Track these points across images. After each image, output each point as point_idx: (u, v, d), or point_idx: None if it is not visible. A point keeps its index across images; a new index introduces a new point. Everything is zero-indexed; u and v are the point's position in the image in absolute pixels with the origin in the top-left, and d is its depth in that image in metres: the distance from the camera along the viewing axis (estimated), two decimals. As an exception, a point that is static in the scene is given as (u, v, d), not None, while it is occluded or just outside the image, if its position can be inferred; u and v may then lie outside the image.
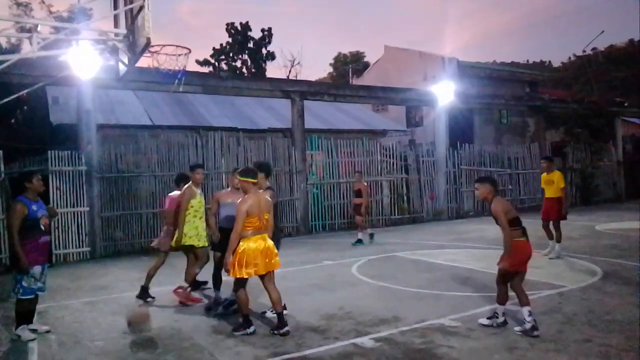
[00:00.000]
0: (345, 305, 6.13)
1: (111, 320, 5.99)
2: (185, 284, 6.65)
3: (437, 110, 17.11)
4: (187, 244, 6.62)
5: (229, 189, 6.57)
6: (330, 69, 40.09)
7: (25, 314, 5.38)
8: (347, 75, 32.85)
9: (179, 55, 6.94)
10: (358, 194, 11.55)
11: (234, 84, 14.44)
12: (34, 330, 5.44)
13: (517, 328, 4.99)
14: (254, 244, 4.96)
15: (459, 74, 20.63)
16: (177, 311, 6.26)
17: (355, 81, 27.89)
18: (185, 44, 7.14)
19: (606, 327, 5.03)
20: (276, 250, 5.21)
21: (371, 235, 11.48)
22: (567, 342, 4.63)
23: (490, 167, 17.56)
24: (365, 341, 4.83)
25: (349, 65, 34.05)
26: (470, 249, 10.24)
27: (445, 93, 16.42)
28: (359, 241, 11.26)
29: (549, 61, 61.64)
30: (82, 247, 11.16)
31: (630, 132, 27.59)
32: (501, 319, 5.18)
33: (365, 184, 12.04)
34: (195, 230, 6.66)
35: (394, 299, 6.48)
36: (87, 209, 11.21)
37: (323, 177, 15.02)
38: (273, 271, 5.17)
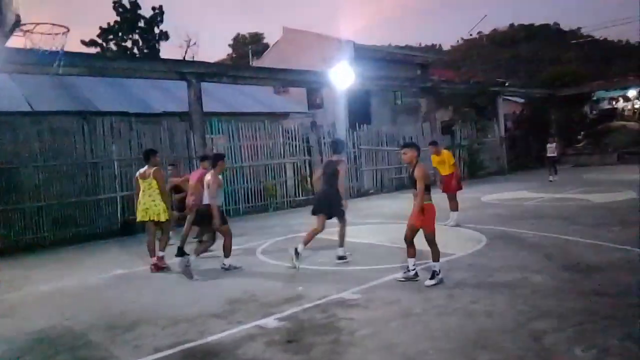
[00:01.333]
0: (250, 289, 6.11)
1: (-9, 326, 5.46)
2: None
3: (336, 92, 17.46)
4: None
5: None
6: (230, 50, 39.18)
7: None
8: (247, 57, 32.31)
9: (57, 34, 6.36)
10: (179, 190, 9.55)
11: (123, 65, 13.60)
12: None
13: (428, 282, 5.74)
14: None
15: (356, 57, 21.16)
16: (67, 309, 5.85)
17: (256, 63, 27.57)
18: (67, 23, 6.54)
19: (491, 289, 5.52)
20: None
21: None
22: (456, 305, 5.01)
23: (387, 146, 18.33)
24: (270, 322, 4.87)
25: (249, 46, 33.48)
26: (370, 225, 10.67)
27: (343, 75, 16.77)
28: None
29: (440, 44, 65.33)
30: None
31: (512, 110, 30.25)
32: (412, 272, 5.96)
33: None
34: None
35: (298, 278, 6.58)
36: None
37: (225, 162, 14.72)
38: None
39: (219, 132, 14.59)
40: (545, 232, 8.52)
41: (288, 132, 16.01)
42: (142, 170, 7.66)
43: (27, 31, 6.30)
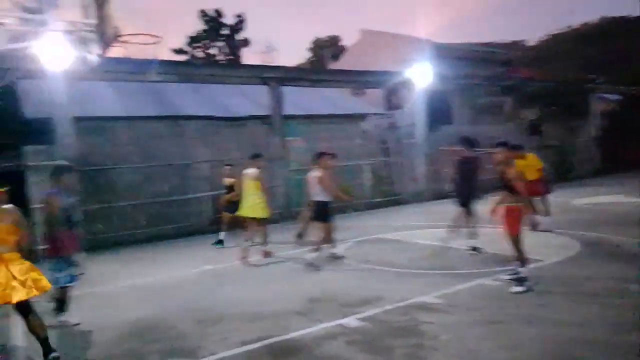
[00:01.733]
0: (330, 288, 6.20)
1: (95, 313, 5.97)
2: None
3: (415, 92, 17.19)
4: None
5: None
6: (308, 54, 39.81)
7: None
8: (324, 60, 32.69)
9: (150, 43, 6.84)
10: (231, 190, 9.99)
11: (209, 72, 14.32)
12: None
13: (514, 289, 5.53)
14: None
15: (435, 56, 20.65)
16: (160, 301, 6.26)
17: (333, 65, 27.78)
18: (157, 32, 7.04)
19: (582, 299, 5.20)
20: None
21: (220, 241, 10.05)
22: (543, 315, 4.77)
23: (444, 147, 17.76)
24: (350, 321, 4.92)
25: (326, 49, 33.84)
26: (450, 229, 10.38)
27: (422, 75, 16.48)
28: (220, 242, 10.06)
29: (523, 40, 62.11)
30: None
31: (605, 108, 28.10)
32: (516, 275, 5.72)
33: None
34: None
35: (378, 279, 6.58)
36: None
37: (303, 164, 15.01)
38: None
39: (297, 135, 14.91)
40: (645, 239, 7.86)
41: (365, 134, 16.01)
42: (248, 170, 8.38)
43: (125, 42, 6.82)
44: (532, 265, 6.64)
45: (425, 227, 10.75)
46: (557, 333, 4.30)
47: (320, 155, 8.06)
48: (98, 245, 11.38)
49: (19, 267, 4.14)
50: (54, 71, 9.70)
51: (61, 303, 5.48)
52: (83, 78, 11.14)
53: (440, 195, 16.69)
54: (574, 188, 16.90)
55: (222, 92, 17.46)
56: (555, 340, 4.15)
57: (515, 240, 5.76)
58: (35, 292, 4.13)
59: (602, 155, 22.55)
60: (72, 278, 5.45)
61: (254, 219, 8.41)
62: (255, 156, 8.77)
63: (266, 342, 4.54)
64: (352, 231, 10.93)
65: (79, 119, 11.75)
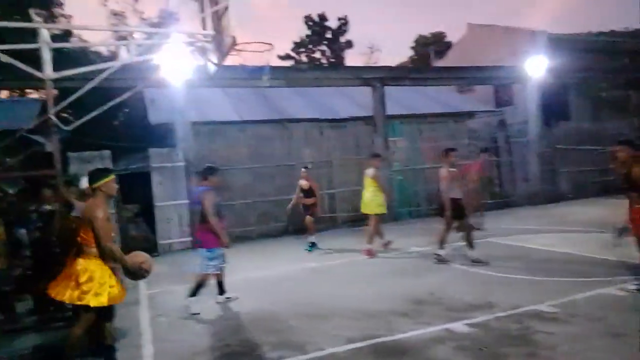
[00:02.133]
0: (436, 291, 6.09)
1: (212, 304, 6.43)
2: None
3: (527, 87, 16.21)
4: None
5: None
6: (411, 52, 39.21)
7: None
8: (428, 58, 31.99)
9: (263, 51, 7.20)
10: (309, 193, 10.07)
11: (314, 75, 14.69)
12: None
13: None
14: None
15: (550, 48, 19.31)
16: (271, 295, 6.57)
17: (438, 63, 27.09)
18: (264, 39, 7.40)
19: None
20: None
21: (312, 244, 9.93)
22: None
23: (588, 145, 16.37)
24: (459, 326, 4.79)
25: (430, 46, 33.08)
26: (567, 233, 9.68)
27: (535, 69, 15.50)
28: (313, 245, 9.94)
29: (653, 26, 55.60)
30: (184, 237, 11.99)
31: None
32: None
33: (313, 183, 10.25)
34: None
35: (487, 284, 6.33)
36: (187, 201, 12.00)
37: (407, 164, 14.85)
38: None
39: (400, 135, 14.79)
40: None
41: (473, 133, 15.43)
42: (367, 170, 9.03)
43: (240, 50, 7.23)
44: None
45: (538, 231, 10.10)
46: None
47: (446, 151, 8.26)
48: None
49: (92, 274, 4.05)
50: (175, 80, 10.61)
51: (198, 288, 6.09)
52: (201, 85, 12.04)
53: (555, 198, 15.58)
54: None
55: (326, 94, 17.84)
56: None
57: None
58: (84, 302, 3.96)
59: None
60: (218, 267, 6.24)
61: (370, 214, 8.97)
62: (374, 156, 9.38)
63: (371, 341, 4.58)
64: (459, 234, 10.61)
65: (196, 124, 12.73)
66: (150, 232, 11.89)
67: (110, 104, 7.11)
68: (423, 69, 20.29)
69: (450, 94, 20.85)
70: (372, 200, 8.94)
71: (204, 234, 6.11)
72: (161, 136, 13.71)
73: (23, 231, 7.19)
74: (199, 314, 5.98)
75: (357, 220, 13.65)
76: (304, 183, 10.10)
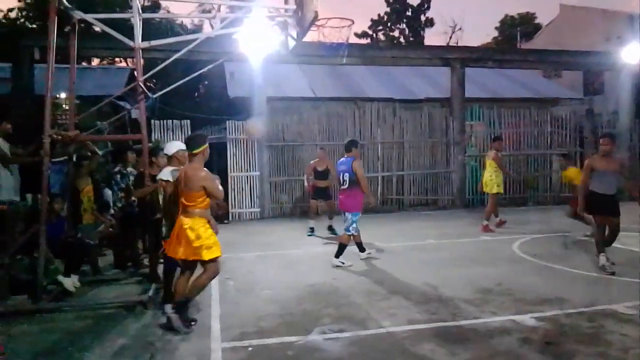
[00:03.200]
0: (504, 282, 5.91)
1: (278, 273, 6.65)
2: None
3: (621, 75, 14.99)
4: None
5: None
6: (495, 34, 37.35)
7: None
8: (513, 40, 30.36)
9: (343, 27, 7.14)
10: (324, 175, 9.63)
11: (392, 54, 14.41)
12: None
13: None
14: None
15: (653, 32, 17.67)
16: (334, 270, 6.68)
17: (524, 45, 25.69)
18: (344, 15, 7.32)
19: None
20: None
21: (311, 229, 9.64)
22: None
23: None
24: (526, 319, 4.63)
25: (517, 28, 31.33)
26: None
27: (631, 56, 14.26)
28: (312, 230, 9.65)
29: None
30: (253, 207, 12.41)
31: None
32: None
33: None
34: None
35: (559, 279, 6.05)
36: (258, 173, 12.38)
37: (483, 150, 14.32)
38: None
39: (478, 119, 14.26)
40: None
41: (557, 120, 14.57)
42: (489, 152, 10.05)
43: (320, 26, 7.22)
44: None
45: (622, 229, 9.42)
46: None
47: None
48: (283, 214, 12.59)
49: (198, 232, 4.42)
50: (255, 55, 10.82)
51: (343, 248, 6.96)
52: (279, 61, 12.21)
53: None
54: None
55: (402, 74, 17.52)
56: None
57: None
58: (199, 257, 4.41)
59: None
60: (357, 230, 7.06)
61: (489, 193, 9.75)
62: (495, 139, 10.25)
63: (433, 324, 4.54)
64: (534, 225, 10.17)
65: (271, 99, 12.99)
66: (224, 200, 12.42)
67: (193, 75, 7.40)
68: (508, 51, 19.27)
69: (535, 78, 19.80)
70: (491, 180, 9.63)
71: (350, 199, 6.91)
72: (238, 109, 14.15)
73: (109, 191, 7.76)
74: (351, 265, 6.88)
75: (426, 204, 13.47)
76: (320, 164, 9.62)
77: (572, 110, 16.46)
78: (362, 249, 7.37)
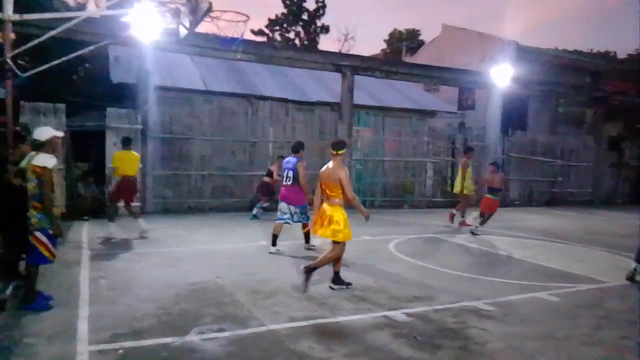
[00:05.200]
0: (381, 280, 6.24)
1: (158, 272, 6.36)
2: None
3: (491, 94, 16.64)
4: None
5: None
6: (384, 45, 39.37)
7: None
8: (400, 53, 32.23)
9: (238, 22, 7.05)
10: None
11: (287, 55, 14.50)
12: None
13: None
14: None
15: (518, 58, 19.87)
16: (219, 269, 6.55)
17: (409, 59, 27.35)
18: (240, 11, 7.21)
19: (646, 326, 4.92)
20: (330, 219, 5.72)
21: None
22: (604, 337, 4.58)
23: (541, 156, 17.04)
24: (398, 315, 4.94)
25: (404, 42, 33.33)
26: (513, 238, 10.09)
27: (502, 77, 15.91)
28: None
29: (615, 52, 58.08)
30: (134, 202, 11.69)
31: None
32: None
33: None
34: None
35: (431, 278, 6.53)
36: (140, 166, 11.69)
37: (368, 154, 15.02)
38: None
39: (365, 125, 14.91)
40: None
41: (434, 131, 15.75)
42: (461, 160, 11.54)
43: (215, 17, 7.06)
44: (594, 286, 6.37)
45: (488, 233, 10.48)
46: (616, 358, 4.12)
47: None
48: (166, 209, 12.06)
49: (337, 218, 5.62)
50: (144, 40, 10.25)
51: (308, 235, 8.09)
52: (169, 49, 11.69)
53: (504, 203, 16.15)
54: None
55: (298, 75, 17.72)
56: (613, 366, 3.98)
57: None
58: (333, 237, 5.64)
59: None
60: (307, 218, 7.79)
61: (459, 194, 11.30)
62: (467, 150, 11.95)
63: (313, 321, 4.66)
64: (410, 227, 10.86)
65: (160, 88, 12.38)
66: (99, 193, 11.55)
67: (71, 55, 6.82)
68: (395, 63, 20.36)
69: (417, 90, 21.12)
70: (461, 183, 11.20)
71: (293, 194, 7.73)
72: (121, 96, 13.29)
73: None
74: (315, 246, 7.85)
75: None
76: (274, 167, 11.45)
77: (447, 123, 17.93)
78: (308, 239, 8.20)
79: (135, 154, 8.98)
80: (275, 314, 4.85)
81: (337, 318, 4.78)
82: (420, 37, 37.15)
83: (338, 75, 14.42)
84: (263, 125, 13.33)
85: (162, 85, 12.62)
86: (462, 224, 11.14)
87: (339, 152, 5.80)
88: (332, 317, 4.81)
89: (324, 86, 17.52)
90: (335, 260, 5.82)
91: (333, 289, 5.77)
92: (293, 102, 14.73)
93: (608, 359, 4.10)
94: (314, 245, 8.04)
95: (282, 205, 7.83)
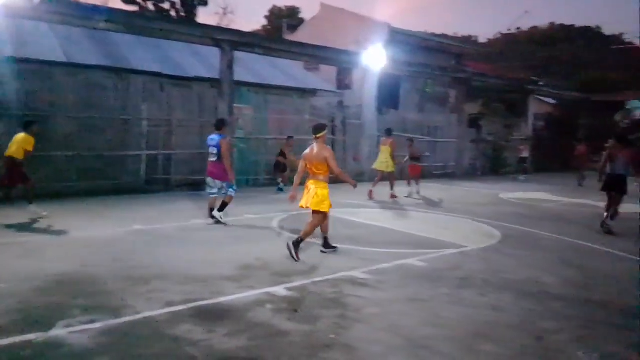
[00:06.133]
0: (263, 257, 6.28)
1: (19, 264, 5.74)
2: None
3: (367, 74, 17.34)
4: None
5: None
6: (265, 22, 39.00)
7: None
8: (281, 30, 32.16)
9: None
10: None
11: (161, 26, 13.71)
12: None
13: None
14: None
15: (391, 40, 20.91)
16: (88, 257, 6.10)
17: (289, 37, 27.41)
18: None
19: (500, 284, 5.57)
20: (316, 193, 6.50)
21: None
22: (464, 297, 5.09)
23: (411, 133, 18.23)
24: (279, 290, 5.02)
25: (284, 19, 33.27)
26: (388, 210, 10.74)
27: (377, 58, 16.63)
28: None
29: (477, 37, 63.89)
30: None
31: (543, 110, 29.66)
32: None
33: None
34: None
35: (311, 252, 6.71)
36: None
37: (251, 133, 14.87)
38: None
39: (247, 102, 14.71)
40: (562, 235, 8.49)
41: (315, 110, 16.05)
42: (384, 139, 12.78)
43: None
44: (457, 250, 7.04)
45: (363, 206, 11.04)
46: (475, 314, 4.61)
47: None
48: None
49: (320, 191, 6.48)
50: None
51: (225, 205, 8.35)
52: (24, 16, 10.38)
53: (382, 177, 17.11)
54: (504, 182, 17.85)
55: (174, 48, 16.85)
56: (473, 320, 4.44)
57: None
58: (322, 208, 6.50)
59: (534, 154, 23.89)
60: (229, 192, 8.35)
61: (384, 172, 12.56)
62: (387, 131, 13.09)
63: (192, 304, 4.55)
64: (294, 204, 11.01)
65: (13, 60, 11.00)
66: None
67: None
68: (276, 40, 20.28)
69: (298, 69, 21.28)
70: (387, 162, 12.56)
71: (218, 169, 8.16)
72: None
73: None
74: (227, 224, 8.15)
75: (194, 184, 13.28)
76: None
77: (327, 102, 18.37)
78: (212, 215, 8.42)
79: (19, 135, 8.46)
80: (151, 300, 4.66)
81: (217, 299, 4.72)
82: (301, 15, 37.40)
83: (218, 51, 13.99)
84: (136, 102, 12.49)
85: (16, 57, 11.22)
86: (393, 197, 12.45)
87: (319, 135, 6.50)
88: (212, 298, 4.74)
89: (202, 61, 16.88)
90: (323, 228, 6.70)
91: (324, 252, 6.66)
92: (169, 77, 14.02)
93: (467, 316, 4.57)
94: (215, 220, 8.34)
95: (209, 180, 8.34)
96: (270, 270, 5.75)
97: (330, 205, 6.53)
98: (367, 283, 5.39)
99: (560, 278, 5.91)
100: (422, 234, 8.10)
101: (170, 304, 4.55)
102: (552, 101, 30.13)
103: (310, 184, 6.46)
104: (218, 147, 8.08)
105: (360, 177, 16.62)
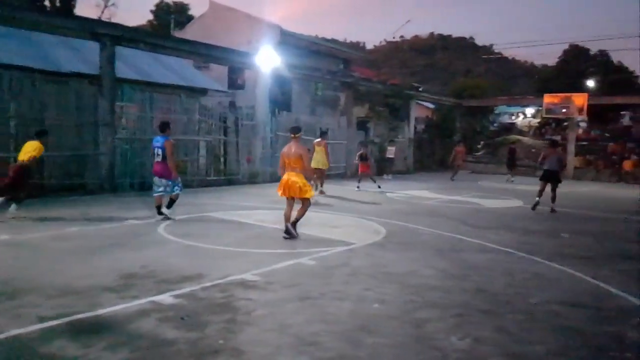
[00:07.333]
0: (149, 264, 5.99)
1: None
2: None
3: (259, 75, 17.30)
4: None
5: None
6: (150, 17, 37.17)
7: None
8: (168, 26, 30.92)
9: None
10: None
11: (32, 17, 12.50)
12: None
13: None
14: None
15: (282, 42, 21.11)
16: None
17: (177, 34, 26.44)
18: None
19: (384, 278, 5.87)
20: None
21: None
22: (350, 292, 5.29)
23: (304, 135, 18.56)
24: (165, 298, 4.82)
25: (172, 15, 32.02)
26: (280, 211, 10.79)
27: (268, 59, 16.66)
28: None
29: (364, 43, 66.83)
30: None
31: (423, 114, 31.89)
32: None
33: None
34: None
35: (201, 257, 6.56)
36: None
37: (135, 133, 14.09)
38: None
39: (131, 100, 13.93)
40: (439, 230, 9.18)
41: (205, 110, 15.66)
42: (317, 140, 14.35)
43: None
44: (345, 248, 7.30)
45: (255, 208, 11.00)
46: (361, 308, 4.81)
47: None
48: None
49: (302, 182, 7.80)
50: None
51: (173, 202, 9.06)
52: None
53: (274, 178, 17.18)
54: (389, 182, 18.87)
55: (48, 42, 15.48)
56: (360, 314, 4.63)
57: None
58: (302, 195, 7.79)
59: (415, 155, 25.63)
60: (175, 191, 9.03)
61: (317, 169, 13.51)
62: (322, 133, 14.91)
63: (68, 319, 4.20)
64: (181, 207, 10.64)
65: None
66: None
67: None
68: (162, 37, 19.41)
69: (187, 67, 20.67)
70: (322, 160, 13.99)
71: (163, 169, 8.79)
72: None
73: None
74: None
75: (71, 189, 12.26)
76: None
77: (218, 101, 18.05)
78: (160, 212, 9.01)
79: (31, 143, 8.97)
80: (19, 317, 4.22)
81: (96, 311, 4.41)
82: (190, 12, 36.24)
83: (97, 46, 13.07)
84: (3, 99, 11.24)
85: None
86: (322, 192, 13.80)
87: (296, 135, 7.89)
88: (90, 311, 4.41)
89: (80, 56, 15.70)
90: (286, 216, 7.84)
91: (286, 238, 7.66)
92: (41, 72, 12.83)
93: (353, 310, 4.76)
94: (163, 217, 8.93)
95: (156, 179, 8.89)
96: (157, 278, 5.50)
97: (313, 192, 8.02)
98: (257, 285, 5.38)
99: (438, 270, 6.38)
100: (313, 233, 8.27)
101: (42, 319, 4.17)
102: (431, 106, 32.48)
103: (291, 176, 7.67)
104: (163, 148, 8.69)
105: (254, 178, 16.59)
